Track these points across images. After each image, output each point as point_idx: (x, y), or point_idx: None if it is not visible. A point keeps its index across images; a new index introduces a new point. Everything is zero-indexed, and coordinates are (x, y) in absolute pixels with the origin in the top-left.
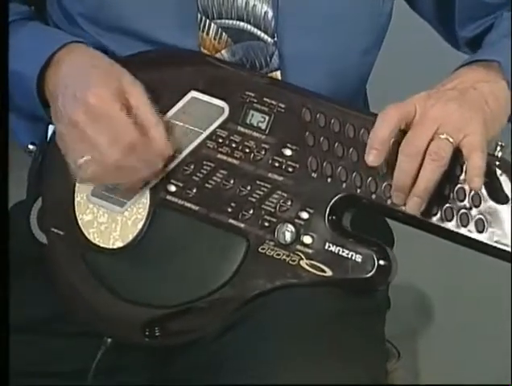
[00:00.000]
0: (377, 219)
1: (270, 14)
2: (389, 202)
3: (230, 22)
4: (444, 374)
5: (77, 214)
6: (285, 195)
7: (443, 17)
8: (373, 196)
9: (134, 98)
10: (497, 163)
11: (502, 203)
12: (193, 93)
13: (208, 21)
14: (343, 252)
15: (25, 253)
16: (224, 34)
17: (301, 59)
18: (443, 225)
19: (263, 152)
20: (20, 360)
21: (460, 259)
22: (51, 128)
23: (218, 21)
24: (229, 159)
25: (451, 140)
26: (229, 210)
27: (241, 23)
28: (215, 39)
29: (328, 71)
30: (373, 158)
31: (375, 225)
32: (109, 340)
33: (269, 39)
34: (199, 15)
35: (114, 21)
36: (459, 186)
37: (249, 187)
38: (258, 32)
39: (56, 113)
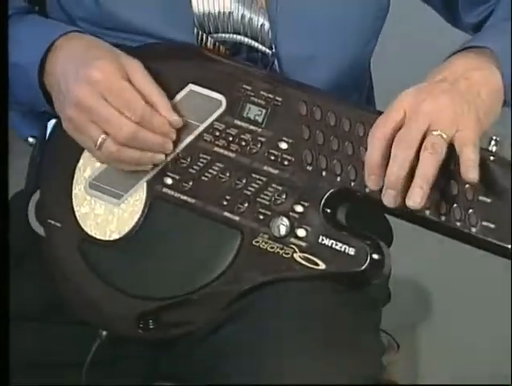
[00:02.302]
0: (377, 215)
1: (267, 25)
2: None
3: (227, 36)
4: (444, 366)
5: (74, 206)
6: (280, 188)
7: (447, 3)
8: (367, 190)
9: (134, 72)
10: (492, 158)
11: (496, 198)
12: (191, 86)
13: (204, 35)
14: (336, 245)
15: (24, 242)
16: (221, 47)
17: (301, 66)
18: (436, 219)
19: (259, 145)
20: (19, 349)
21: (459, 252)
22: (51, 122)
23: (215, 35)
24: (226, 152)
25: (444, 136)
26: (225, 203)
27: (239, 36)
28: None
29: (329, 74)
30: (372, 183)
31: (374, 221)
32: (104, 333)
33: (267, 50)
34: (195, 30)
35: (115, 28)
36: (452, 180)
37: (244, 180)
38: (256, 44)
39: (60, 99)
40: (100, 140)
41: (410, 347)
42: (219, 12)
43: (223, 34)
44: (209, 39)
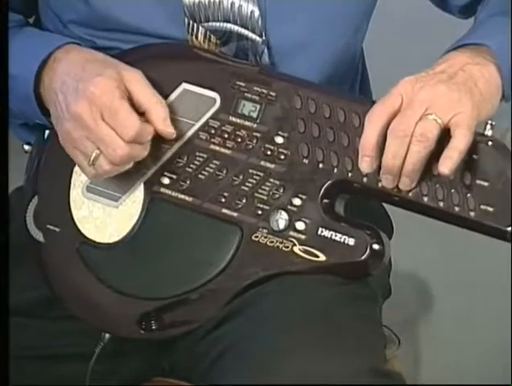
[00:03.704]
0: (377, 209)
1: (257, 13)
2: (380, 185)
3: (217, 24)
4: (444, 361)
5: (73, 210)
6: (277, 182)
7: None
8: (365, 179)
9: (133, 83)
10: (489, 142)
11: (494, 181)
12: (185, 85)
13: (195, 24)
14: (336, 236)
15: (25, 237)
16: (212, 36)
17: (292, 53)
18: (434, 206)
19: (255, 141)
20: (19, 343)
21: (460, 246)
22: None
23: (206, 24)
24: (222, 149)
25: (439, 121)
26: (223, 200)
27: (229, 25)
28: (204, 41)
29: (320, 61)
30: (366, 165)
31: (374, 215)
32: (107, 336)
33: (257, 38)
34: (186, 20)
35: (106, 27)
36: None
37: (241, 176)
38: (246, 32)
39: (57, 111)
40: (94, 155)
41: (410, 342)
42: (209, 1)
43: (213, 23)
44: (200, 28)
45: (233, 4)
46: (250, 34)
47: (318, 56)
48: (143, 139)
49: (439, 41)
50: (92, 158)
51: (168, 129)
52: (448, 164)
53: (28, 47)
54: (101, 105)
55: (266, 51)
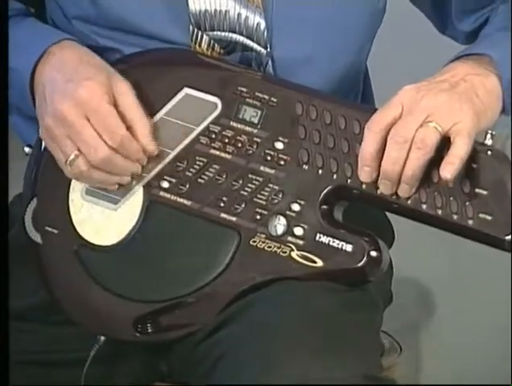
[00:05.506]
0: (378, 216)
1: (263, 25)
2: (379, 191)
3: (222, 34)
4: (446, 368)
5: (71, 212)
6: (276, 187)
7: (440, 11)
8: (364, 186)
9: (121, 94)
10: (488, 152)
11: (492, 190)
12: (186, 90)
13: (200, 33)
14: (333, 242)
15: (24, 243)
16: (216, 45)
17: (295, 67)
18: (433, 213)
19: (255, 146)
20: (18, 348)
21: (461, 253)
22: None
23: (210, 33)
24: (222, 154)
25: (439, 128)
26: (222, 204)
27: (234, 35)
28: (208, 50)
29: (323, 75)
30: (365, 174)
31: (375, 222)
32: (102, 338)
33: (262, 50)
34: (191, 27)
35: (110, 26)
36: None
37: (241, 181)
38: (251, 43)
39: (42, 106)
40: (72, 156)
41: (412, 349)
42: (215, 10)
43: (218, 33)
44: (204, 36)
45: (239, 15)
46: (255, 46)
47: (321, 71)
48: (126, 150)
49: (442, 50)
50: (69, 159)
51: (150, 146)
52: (449, 169)
53: (26, 42)
54: (88, 109)
55: (270, 62)
